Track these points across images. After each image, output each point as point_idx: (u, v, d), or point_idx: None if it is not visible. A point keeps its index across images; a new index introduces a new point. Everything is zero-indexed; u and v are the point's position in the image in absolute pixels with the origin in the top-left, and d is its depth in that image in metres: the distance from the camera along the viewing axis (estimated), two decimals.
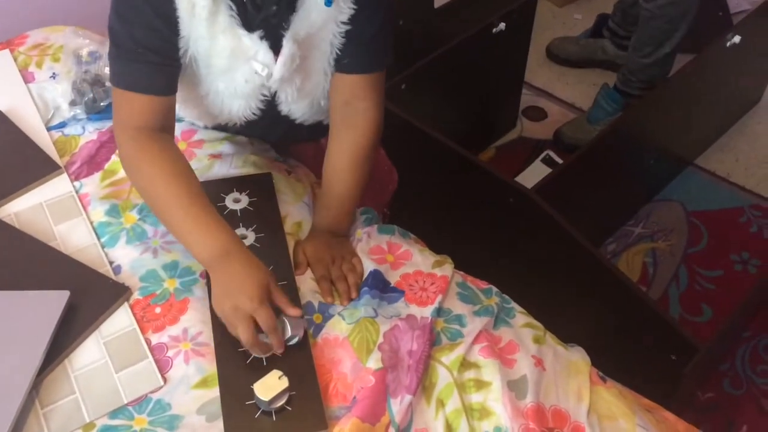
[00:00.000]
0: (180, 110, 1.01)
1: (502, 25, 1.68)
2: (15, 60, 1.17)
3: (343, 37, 0.87)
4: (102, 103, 1.07)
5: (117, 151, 0.98)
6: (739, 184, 1.83)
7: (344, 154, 0.93)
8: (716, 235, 1.71)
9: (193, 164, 1.00)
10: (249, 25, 0.84)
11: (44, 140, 1.05)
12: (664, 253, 1.68)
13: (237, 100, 0.92)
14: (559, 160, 1.86)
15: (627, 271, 1.62)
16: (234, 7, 0.82)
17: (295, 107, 0.95)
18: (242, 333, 0.78)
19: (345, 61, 0.89)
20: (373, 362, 0.82)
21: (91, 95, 1.08)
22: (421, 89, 1.58)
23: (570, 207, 1.29)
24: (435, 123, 1.44)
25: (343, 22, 0.86)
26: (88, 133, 1.06)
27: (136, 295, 0.87)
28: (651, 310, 1.16)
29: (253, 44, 0.85)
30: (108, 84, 1.10)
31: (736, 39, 1.58)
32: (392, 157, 1.24)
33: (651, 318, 1.16)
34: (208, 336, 0.84)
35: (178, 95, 0.89)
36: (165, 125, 0.87)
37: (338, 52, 0.88)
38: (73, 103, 1.08)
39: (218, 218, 0.84)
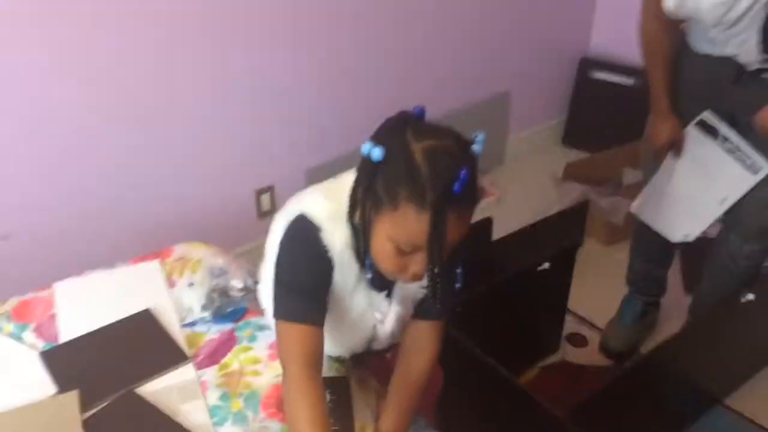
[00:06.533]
0: None
1: (547, 265, 1.99)
2: (163, 268, 1.54)
3: (422, 296, 1.17)
4: (227, 309, 1.40)
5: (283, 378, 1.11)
6: (764, 426, 1.96)
7: (410, 375, 1.19)
8: None
9: None
10: (377, 287, 1.14)
11: (177, 335, 1.36)
12: None
13: (355, 337, 1.22)
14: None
15: None
16: (371, 280, 1.12)
17: (384, 342, 1.25)
18: None
19: (420, 311, 1.19)
20: None
21: (218, 303, 1.41)
22: (474, 313, 1.86)
23: None
24: (484, 342, 1.69)
25: (424, 287, 1.14)
26: (212, 333, 1.37)
27: None
28: None
29: (381, 301, 1.16)
30: (232, 294, 1.43)
31: (750, 297, 1.83)
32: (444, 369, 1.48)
33: None
34: None
35: None
36: (318, 353, 1.08)
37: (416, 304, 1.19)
38: (203, 308, 1.41)
39: None
